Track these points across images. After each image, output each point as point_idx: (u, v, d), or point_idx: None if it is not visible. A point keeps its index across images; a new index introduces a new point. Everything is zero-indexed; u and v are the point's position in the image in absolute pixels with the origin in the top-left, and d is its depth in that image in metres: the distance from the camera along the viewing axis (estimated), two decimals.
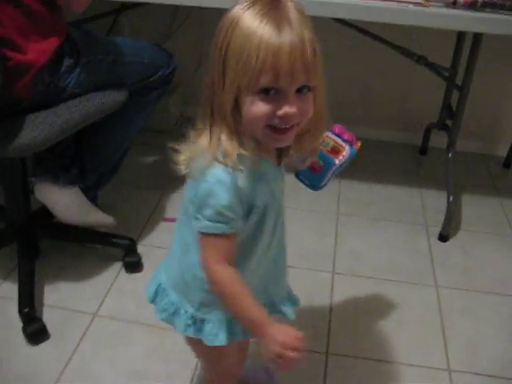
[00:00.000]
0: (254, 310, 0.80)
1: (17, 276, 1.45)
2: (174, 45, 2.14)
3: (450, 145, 1.86)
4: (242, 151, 0.75)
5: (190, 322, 0.91)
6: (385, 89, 2.29)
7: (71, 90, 1.35)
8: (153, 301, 0.97)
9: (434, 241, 1.80)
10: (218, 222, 0.77)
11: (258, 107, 0.72)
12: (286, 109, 0.71)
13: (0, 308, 1.44)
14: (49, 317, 1.40)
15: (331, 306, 1.50)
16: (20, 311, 1.36)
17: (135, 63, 1.49)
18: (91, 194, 1.63)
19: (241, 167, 0.75)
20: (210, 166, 0.75)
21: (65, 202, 1.54)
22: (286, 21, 0.69)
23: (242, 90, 0.71)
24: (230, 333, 0.91)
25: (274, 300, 0.97)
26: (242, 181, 0.76)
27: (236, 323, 0.90)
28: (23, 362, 1.29)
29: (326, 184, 0.95)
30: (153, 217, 1.82)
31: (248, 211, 0.80)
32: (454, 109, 1.87)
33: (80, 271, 1.57)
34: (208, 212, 0.77)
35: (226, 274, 0.80)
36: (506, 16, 1.42)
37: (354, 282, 1.60)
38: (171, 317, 0.93)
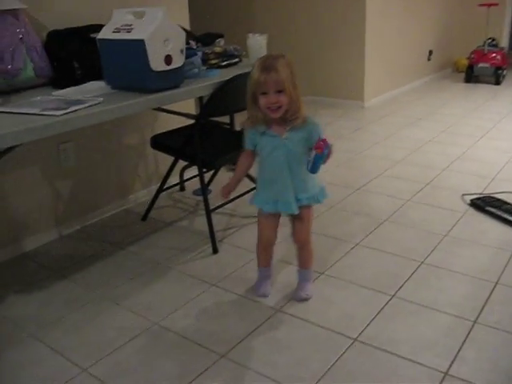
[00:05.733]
0: None
1: None
2: None
3: None
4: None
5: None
6: None
7: None
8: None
9: None
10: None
11: (261, 100, 1.67)
12: (269, 100, 1.65)
13: None
14: None
15: None
16: None
17: None
18: None
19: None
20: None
21: None
22: (271, 67, 1.63)
23: (256, 94, 1.68)
24: None
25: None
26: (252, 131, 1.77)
27: None
28: None
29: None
30: None
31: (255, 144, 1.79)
32: None
33: None
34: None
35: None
36: None
37: None
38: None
